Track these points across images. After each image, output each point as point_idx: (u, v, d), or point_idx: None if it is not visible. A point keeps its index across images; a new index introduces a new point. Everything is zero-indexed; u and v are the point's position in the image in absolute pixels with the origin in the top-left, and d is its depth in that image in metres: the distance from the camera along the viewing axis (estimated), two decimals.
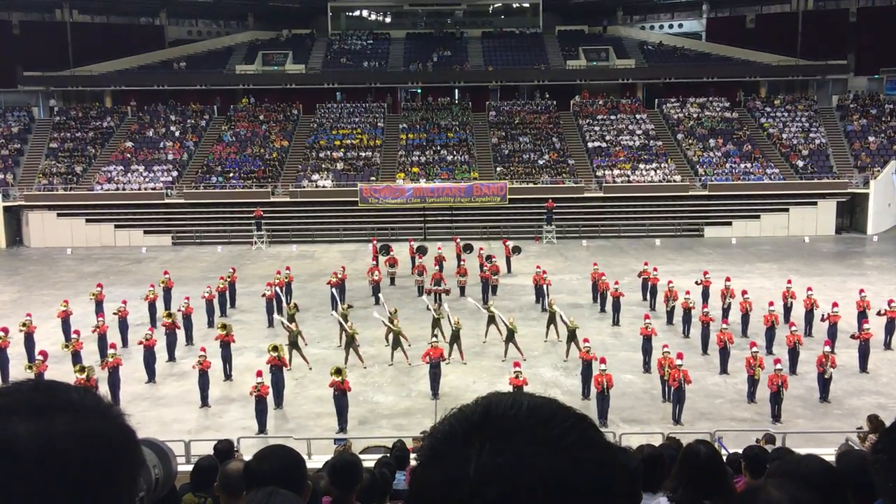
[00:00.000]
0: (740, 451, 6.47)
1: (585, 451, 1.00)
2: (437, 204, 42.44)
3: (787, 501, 1.73)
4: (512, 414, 1.02)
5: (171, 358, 21.85)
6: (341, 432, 16.55)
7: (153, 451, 1.79)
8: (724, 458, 6.40)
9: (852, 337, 20.77)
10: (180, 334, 22.91)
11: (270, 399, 17.95)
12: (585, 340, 19.37)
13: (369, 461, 8.34)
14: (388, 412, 18.55)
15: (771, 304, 22.52)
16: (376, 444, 13.64)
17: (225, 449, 8.00)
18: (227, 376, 20.57)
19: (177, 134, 49.76)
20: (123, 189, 44.04)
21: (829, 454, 7.20)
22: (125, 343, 22.88)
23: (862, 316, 22.21)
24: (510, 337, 21.58)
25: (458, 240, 34.85)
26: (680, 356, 18.04)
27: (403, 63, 56.42)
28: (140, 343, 20.66)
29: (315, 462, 11.12)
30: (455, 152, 47.39)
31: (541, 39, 59.36)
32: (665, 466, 4.42)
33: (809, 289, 24.35)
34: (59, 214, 42.50)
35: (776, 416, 17.36)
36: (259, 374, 17.63)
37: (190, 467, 6.26)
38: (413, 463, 8.78)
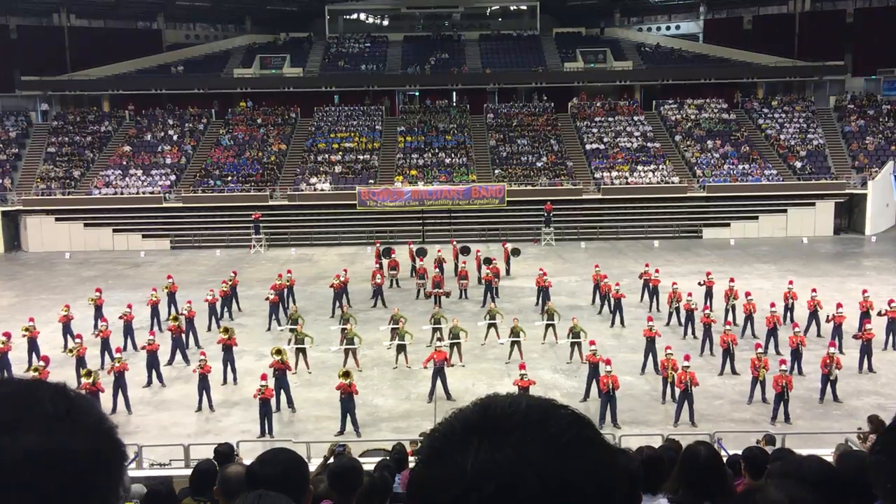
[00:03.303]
0: (740, 452, 6.46)
1: (583, 449, 1.01)
2: (436, 206, 42.43)
3: (786, 502, 1.73)
4: (510, 412, 1.03)
5: (170, 362, 21.79)
6: (340, 434, 16.55)
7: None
8: (724, 459, 6.40)
9: (854, 337, 20.77)
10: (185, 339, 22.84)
11: (273, 402, 17.89)
12: (591, 343, 19.40)
13: (369, 464, 8.34)
14: (388, 415, 18.51)
15: (773, 305, 22.52)
16: (375, 447, 13.63)
17: (225, 452, 8.00)
18: (226, 380, 20.47)
19: (175, 138, 49.75)
20: (121, 193, 44.03)
21: (829, 455, 7.20)
22: (135, 347, 22.71)
23: (865, 316, 22.19)
24: (516, 339, 21.62)
25: (455, 242, 34.82)
26: (687, 358, 18.06)
27: (401, 66, 56.42)
28: (143, 348, 20.63)
29: (315, 465, 11.10)
30: (453, 155, 47.39)
31: (538, 42, 59.43)
32: (665, 468, 4.42)
33: (814, 290, 24.26)
34: (57, 219, 42.45)
35: (785, 418, 17.29)
36: (263, 377, 17.60)
37: (189, 471, 6.25)
38: (412, 465, 8.75)
